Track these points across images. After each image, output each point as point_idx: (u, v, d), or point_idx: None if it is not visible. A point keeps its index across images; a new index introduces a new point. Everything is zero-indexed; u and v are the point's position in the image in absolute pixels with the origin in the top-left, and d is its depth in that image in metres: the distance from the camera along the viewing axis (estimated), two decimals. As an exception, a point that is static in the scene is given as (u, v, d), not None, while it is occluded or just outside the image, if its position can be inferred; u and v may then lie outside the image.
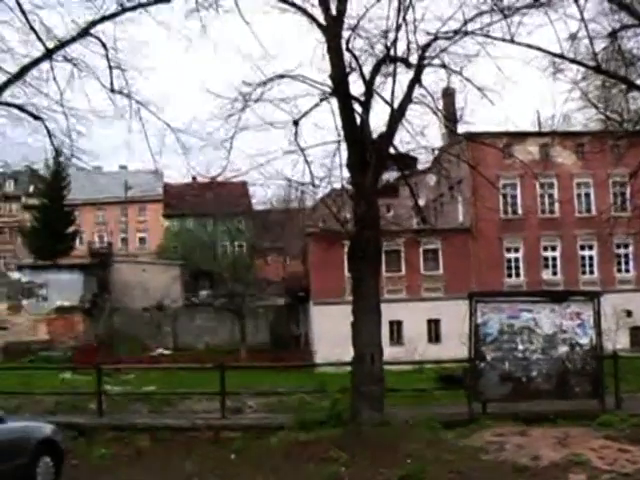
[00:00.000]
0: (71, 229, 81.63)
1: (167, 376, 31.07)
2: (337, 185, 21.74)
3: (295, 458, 15.27)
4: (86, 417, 20.28)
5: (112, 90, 20.39)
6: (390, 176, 24.85)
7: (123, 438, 17.99)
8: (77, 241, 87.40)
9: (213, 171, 22.18)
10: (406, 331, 51.94)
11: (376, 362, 18.51)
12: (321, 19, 18.92)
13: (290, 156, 20.02)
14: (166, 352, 56.31)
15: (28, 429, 12.56)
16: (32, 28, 19.91)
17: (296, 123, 19.69)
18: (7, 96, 20.09)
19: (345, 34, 18.95)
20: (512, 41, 18.69)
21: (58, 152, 21.39)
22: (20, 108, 20.32)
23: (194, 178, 33.27)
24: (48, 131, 20.48)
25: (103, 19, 19.74)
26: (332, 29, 18.69)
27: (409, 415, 18.55)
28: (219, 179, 22.80)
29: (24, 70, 19.78)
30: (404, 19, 18.34)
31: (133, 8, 19.80)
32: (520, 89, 24.86)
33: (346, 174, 20.22)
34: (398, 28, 18.43)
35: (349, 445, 15.77)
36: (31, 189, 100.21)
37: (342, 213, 22.79)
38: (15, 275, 66.01)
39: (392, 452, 15.26)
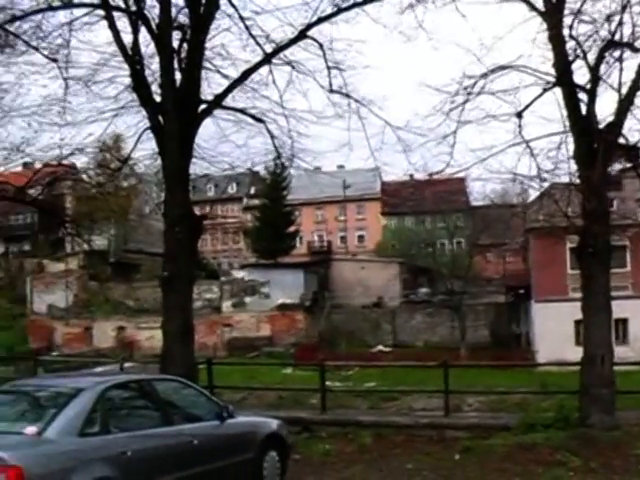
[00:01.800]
0: (292, 229, 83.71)
1: (386, 373, 31.12)
2: (564, 179, 20.92)
3: (521, 460, 14.75)
4: (309, 412, 20.49)
5: (331, 90, 20.60)
6: (613, 168, 23.68)
7: (346, 434, 18.05)
8: (297, 240, 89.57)
9: (432, 167, 21.98)
10: (632, 329, 49.65)
11: (606, 363, 17.66)
12: (541, 6, 18.28)
13: (514, 149, 19.46)
14: (385, 349, 56.46)
15: (256, 424, 12.75)
16: (250, 34, 20.48)
17: (519, 115, 19.10)
18: (230, 101, 20.76)
19: (567, 20, 18.23)
20: None
21: (279, 153, 21.85)
22: (242, 111, 20.91)
23: (411, 176, 33.17)
24: (270, 133, 20.96)
25: (319, 20, 19.97)
26: (553, 15, 17.97)
27: (641, 418, 17.62)
28: (437, 176, 22.54)
29: (245, 75, 20.32)
30: (628, 0, 17.44)
31: (348, 8, 19.92)
32: None
33: (573, 167, 19.45)
34: (623, 10, 17.54)
35: (578, 449, 15.09)
36: (252, 190, 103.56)
37: (569, 207, 21.86)
38: (239, 274, 68.16)
39: (624, 458, 14.49)
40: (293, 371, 38.16)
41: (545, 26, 18.12)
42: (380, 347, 57.06)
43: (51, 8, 20.84)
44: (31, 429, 8.97)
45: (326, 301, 64.83)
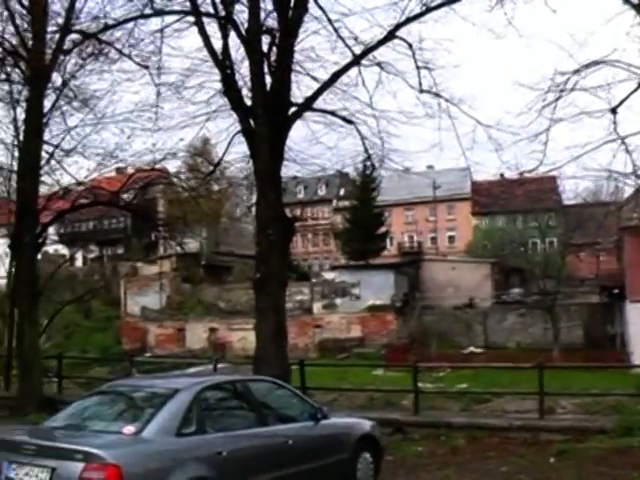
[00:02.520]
0: (382, 230, 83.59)
1: (478, 375, 30.78)
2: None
3: (617, 464, 14.41)
4: (401, 414, 20.40)
5: (420, 90, 20.53)
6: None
7: (439, 436, 17.93)
8: (388, 241, 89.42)
9: (524, 166, 21.71)
10: None
11: None
12: (634, -2, 17.89)
13: (608, 146, 19.06)
14: (477, 350, 55.86)
15: (349, 425, 12.76)
16: (339, 36, 20.56)
17: (614, 111, 18.69)
18: (320, 103, 20.85)
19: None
20: None
21: (369, 154, 21.86)
22: (332, 113, 20.99)
23: (501, 175, 32.86)
24: (360, 134, 21.00)
25: (408, 20, 19.93)
26: (647, 8, 17.62)
27: None
28: (529, 174, 22.25)
29: (335, 77, 20.40)
30: None
31: (437, 7, 19.83)
32: None
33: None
34: None
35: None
36: (342, 192, 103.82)
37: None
38: (330, 275, 68.27)
39: None
40: (384, 372, 38.05)
41: (639, 19, 17.74)
42: (472, 348, 56.50)
43: (143, 16, 21.30)
44: (129, 428, 9.16)
45: (417, 302, 64.48)
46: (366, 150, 21.64)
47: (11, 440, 9.66)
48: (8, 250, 28.91)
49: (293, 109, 20.19)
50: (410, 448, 16.82)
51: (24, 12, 25.18)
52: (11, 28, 25.22)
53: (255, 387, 11.30)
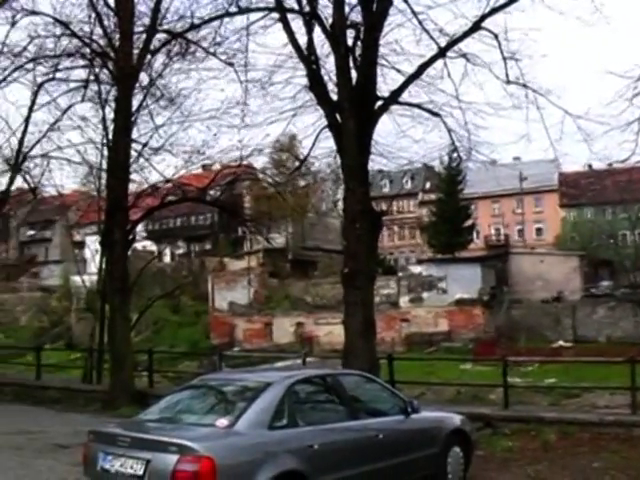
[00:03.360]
0: (468, 223, 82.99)
1: (567, 369, 30.34)
2: None
3: None
4: (490, 408, 20.21)
5: (507, 81, 20.32)
6: None
7: (529, 431, 17.65)
8: (474, 234, 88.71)
9: (615, 156, 21.30)
10: None
11: None
12: None
13: None
14: (566, 344, 55.02)
15: (440, 419, 12.69)
16: (424, 28, 20.47)
17: None
18: (406, 96, 20.80)
19: None
20: None
21: (456, 147, 21.72)
22: (419, 106, 20.92)
23: (589, 165, 32.20)
24: (446, 126, 20.89)
25: (493, 11, 19.75)
26: None
27: None
28: (620, 165, 21.84)
29: (420, 70, 20.34)
30: None
31: (524, -5, 19.62)
32: None
33: None
34: None
35: None
36: (427, 185, 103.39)
37: None
38: (416, 269, 67.98)
39: None
40: (472, 367, 37.77)
41: None
42: (560, 342, 55.65)
43: (228, 14, 21.53)
44: (222, 421, 9.28)
45: (504, 296, 63.79)
46: (453, 143, 21.52)
47: (107, 432, 9.90)
48: (99, 247, 29.50)
49: (379, 103, 20.19)
50: (500, 443, 16.63)
51: (111, 13, 25.69)
52: (99, 30, 25.78)
53: (346, 381, 11.33)
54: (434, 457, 11.82)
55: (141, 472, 8.86)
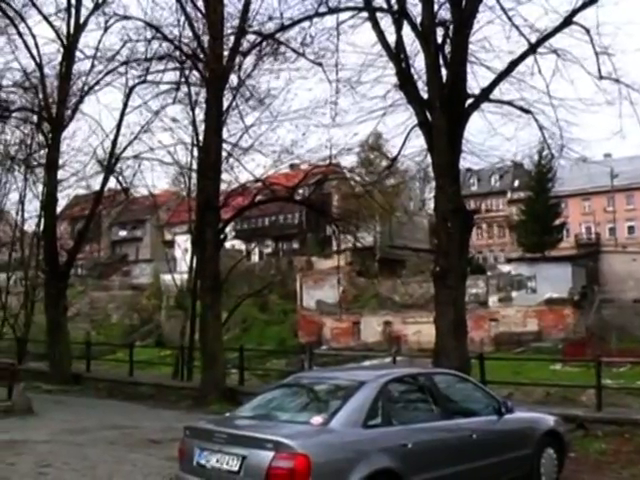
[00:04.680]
0: (558, 221, 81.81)
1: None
2: None
3: None
4: (582, 409, 19.90)
5: (600, 77, 19.97)
6: None
7: (622, 433, 17.31)
8: (564, 233, 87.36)
9: None
10: None
11: None
12: None
13: None
14: (658, 345, 53.88)
15: (534, 419, 12.52)
16: (514, 24, 20.28)
17: None
18: (496, 93, 20.63)
19: None
20: None
21: (548, 144, 21.44)
22: (510, 104, 20.72)
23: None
24: (538, 123, 20.64)
25: (584, 5, 19.48)
26: None
27: None
28: None
29: (511, 66, 20.15)
30: None
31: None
32: None
33: None
34: None
35: None
36: (516, 183, 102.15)
37: None
38: (505, 268, 67.38)
39: None
40: (561, 367, 37.28)
41: None
42: (652, 343, 54.50)
43: (318, 14, 21.62)
44: (317, 419, 9.32)
45: (595, 295, 62.70)
46: (545, 140, 21.28)
47: (203, 428, 10.03)
48: (189, 246, 29.96)
49: (470, 101, 20.07)
50: (593, 445, 16.35)
51: (200, 16, 26.04)
52: (188, 32, 26.17)
53: (439, 380, 11.24)
54: (527, 458, 11.68)
55: (237, 468, 8.94)
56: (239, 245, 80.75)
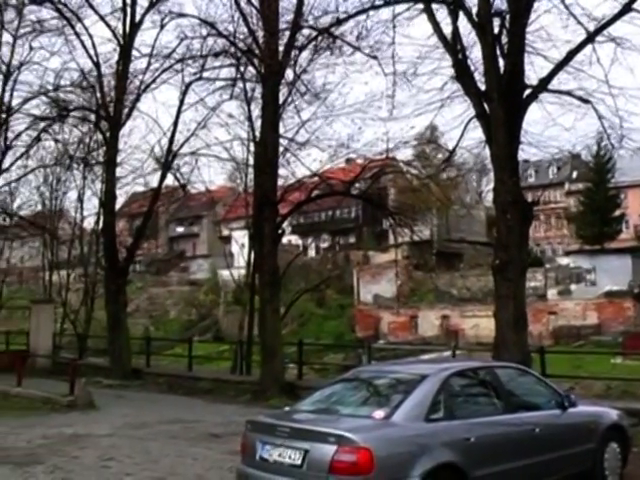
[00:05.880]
0: (617, 212, 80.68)
1: None
2: None
3: None
4: (643, 403, 19.62)
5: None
6: None
7: (688, 428, 17.10)
8: (623, 224, 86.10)
9: None
10: None
11: None
12: None
13: None
14: None
15: (597, 413, 12.34)
16: (571, 13, 20.03)
17: None
18: (554, 83, 20.38)
19: None
20: None
21: (608, 134, 21.12)
22: (569, 94, 20.46)
23: None
24: (597, 113, 20.34)
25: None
26: None
27: None
28: None
29: (569, 56, 19.88)
30: None
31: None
32: None
33: None
34: None
35: None
36: (574, 175, 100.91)
37: None
38: (563, 260, 66.68)
39: None
40: (622, 361, 36.74)
41: None
42: None
43: (374, 7, 21.56)
44: (379, 413, 9.29)
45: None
46: (604, 130, 20.96)
47: (265, 422, 10.05)
48: (246, 241, 30.10)
49: (528, 91, 19.86)
50: (660, 439, 16.09)
51: (254, 12, 26.11)
52: (243, 28, 26.27)
53: (501, 373, 11.12)
54: (591, 452, 11.52)
55: (299, 462, 8.95)
56: (296, 240, 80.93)
